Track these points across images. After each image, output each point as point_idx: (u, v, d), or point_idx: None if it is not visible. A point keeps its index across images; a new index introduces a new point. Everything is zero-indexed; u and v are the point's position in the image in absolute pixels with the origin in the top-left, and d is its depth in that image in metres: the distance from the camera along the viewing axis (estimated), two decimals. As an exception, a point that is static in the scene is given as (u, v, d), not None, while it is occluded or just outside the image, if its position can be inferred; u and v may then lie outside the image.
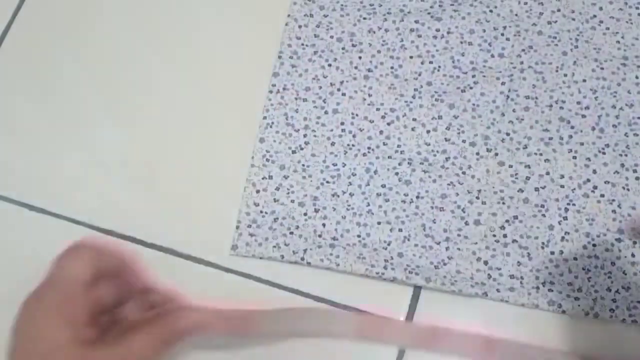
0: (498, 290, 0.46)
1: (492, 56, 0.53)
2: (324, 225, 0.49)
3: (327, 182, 0.50)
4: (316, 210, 0.49)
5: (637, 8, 0.53)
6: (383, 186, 0.50)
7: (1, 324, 0.49)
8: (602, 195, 0.48)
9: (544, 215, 0.48)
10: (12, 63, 0.57)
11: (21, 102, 0.56)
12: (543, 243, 0.47)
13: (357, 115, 0.52)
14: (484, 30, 0.53)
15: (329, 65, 0.54)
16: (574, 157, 0.49)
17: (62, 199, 0.52)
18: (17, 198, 0.53)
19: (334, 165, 0.51)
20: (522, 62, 0.52)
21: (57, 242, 0.51)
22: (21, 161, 0.54)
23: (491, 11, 0.54)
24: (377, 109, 0.52)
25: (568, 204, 0.48)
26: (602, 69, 0.52)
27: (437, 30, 0.54)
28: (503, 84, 0.52)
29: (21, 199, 0.53)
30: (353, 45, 0.54)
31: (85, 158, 0.53)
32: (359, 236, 0.49)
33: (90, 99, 0.55)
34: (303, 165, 0.51)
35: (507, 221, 0.48)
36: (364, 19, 0.55)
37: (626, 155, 0.49)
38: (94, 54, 0.57)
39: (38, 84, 0.56)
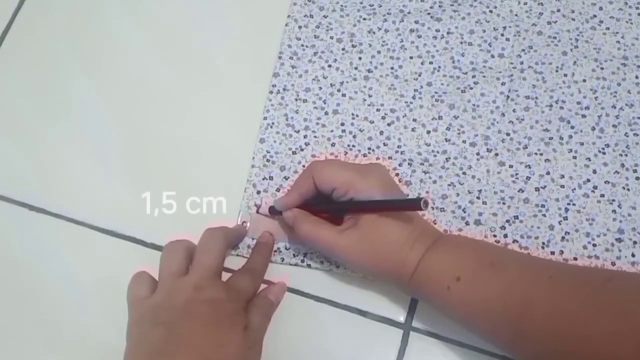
0: (498, 291, 0.46)
1: (492, 56, 0.53)
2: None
3: (328, 182, 0.50)
4: (316, 211, 0.49)
5: (637, 8, 0.53)
6: (383, 186, 0.50)
7: (2, 323, 0.49)
8: (602, 195, 0.48)
9: (544, 215, 0.48)
10: (12, 63, 0.57)
11: (21, 102, 0.56)
12: (543, 243, 0.47)
13: (357, 116, 0.52)
14: (484, 31, 0.53)
15: (329, 66, 0.54)
16: (574, 157, 0.49)
17: (62, 199, 0.52)
18: (17, 198, 0.53)
19: (335, 165, 0.50)
20: (522, 62, 0.52)
21: (57, 242, 0.51)
22: (21, 161, 0.54)
23: (491, 11, 0.54)
24: (377, 110, 0.52)
25: (568, 204, 0.48)
26: (602, 69, 0.52)
27: (437, 30, 0.54)
28: (503, 84, 0.52)
29: (21, 199, 0.53)
30: (353, 46, 0.54)
31: (86, 158, 0.53)
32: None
33: (90, 99, 0.55)
34: (303, 166, 0.51)
35: (507, 221, 0.48)
36: (364, 19, 0.55)
37: (626, 155, 0.49)
38: (94, 54, 0.57)
39: (38, 84, 0.56)
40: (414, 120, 0.51)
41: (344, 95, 0.53)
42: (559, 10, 0.54)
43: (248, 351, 0.42)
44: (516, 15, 0.54)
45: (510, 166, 0.49)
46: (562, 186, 0.49)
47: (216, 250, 0.44)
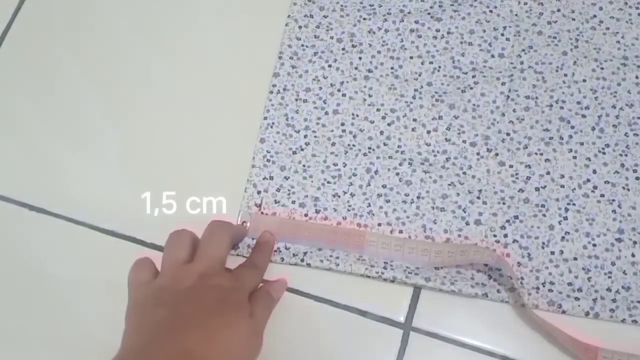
0: (498, 291, 0.46)
1: (492, 56, 0.53)
2: (324, 225, 0.49)
3: (328, 182, 0.50)
4: (317, 211, 0.49)
5: (637, 8, 0.53)
6: (384, 186, 0.50)
7: (2, 323, 0.49)
8: (602, 195, 0.48)
9: (544, 215, 0.48)
10: (12, 63, 0.57)
11: (21, 101, 0.56)
12: (543, 243, 0.47)
13: (357, 115, 0.52)
14: (484, 31, 0.53)
15: (329, 66, 0.54)
16: (574, 157, 0.49)
17: (62, 199, 0.52)
18: (17, 198, 0.53)
19: (335, 165, 0.51)
20: (522, 62, 0.52)
21: (57, 242, 0.51)
22: (21, 161, 0.54)
23: (491, 11, 0.54)
24: (378, 110, 0.52)
25: (568, 204, 0.48)
26: (602, 69, 0.52)
27: (437, 30, 0.54)
28: (503, 84, 0.52)
29: (21, 199, 0.53)
30: (353, 46, 0.54)
31: (86, 158, 0.53)
32: (359, 236, 0.49)
33: (90, 99, 0.55)
34: (304, 165, 0.51)
35: (507, 221, 0.48)
36: (364, 19, 0.55)
37: (626, 155, 0.49)
38: (94, 54, 0.57)
39: (38, 84, 0.56)
40: (414, 120, 0.51)
41: (344, 95, 0.53)
42: (559, 10, 0.54)
43: (253, 337, 0.42)
44: (516, 15, 0.54)
45: (511, 166, 0.50)
46: (562, 186, 0.49)
47: (222, 242, 0.44)
